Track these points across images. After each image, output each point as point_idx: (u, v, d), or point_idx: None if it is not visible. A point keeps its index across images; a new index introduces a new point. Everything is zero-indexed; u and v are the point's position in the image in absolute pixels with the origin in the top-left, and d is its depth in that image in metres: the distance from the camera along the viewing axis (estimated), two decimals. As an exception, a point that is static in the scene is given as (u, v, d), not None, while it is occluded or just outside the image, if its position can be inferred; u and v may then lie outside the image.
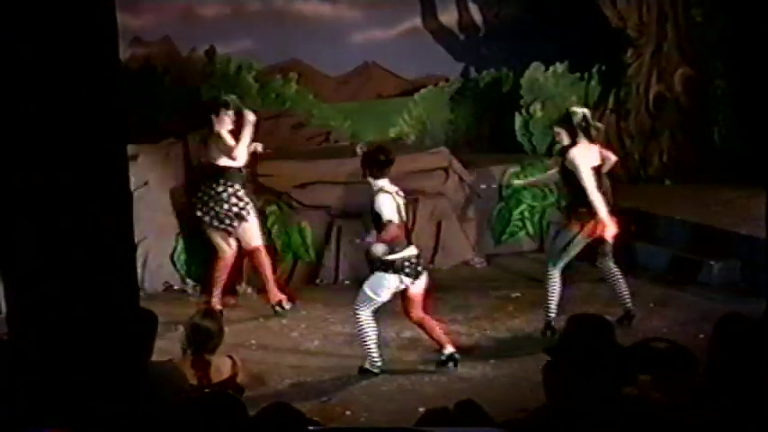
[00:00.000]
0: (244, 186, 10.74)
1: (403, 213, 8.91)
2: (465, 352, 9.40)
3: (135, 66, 12.43)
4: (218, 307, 10.29)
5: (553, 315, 9.80)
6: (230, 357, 6.99)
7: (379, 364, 9.03)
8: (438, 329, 9.18)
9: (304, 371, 9.23)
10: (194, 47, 12.95)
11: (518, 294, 11.02)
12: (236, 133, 10.59)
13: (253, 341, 9.98)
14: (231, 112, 10.63)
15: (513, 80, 13.80)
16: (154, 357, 6.27)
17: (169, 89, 12.69)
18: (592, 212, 9.66)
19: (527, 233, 12.52)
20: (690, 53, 14.24)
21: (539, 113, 13.71)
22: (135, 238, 4.70)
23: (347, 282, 11.76)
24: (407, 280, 8.81)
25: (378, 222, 8.77)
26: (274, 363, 9.39)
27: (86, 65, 4.21)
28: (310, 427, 4.58)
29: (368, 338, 8.97)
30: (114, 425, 4.17)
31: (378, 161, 8.92)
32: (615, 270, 10.04)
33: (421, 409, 5.80)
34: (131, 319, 4.38)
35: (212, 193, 10.66)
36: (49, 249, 4.21)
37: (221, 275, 10.70)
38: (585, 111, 9.95)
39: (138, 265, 10.37)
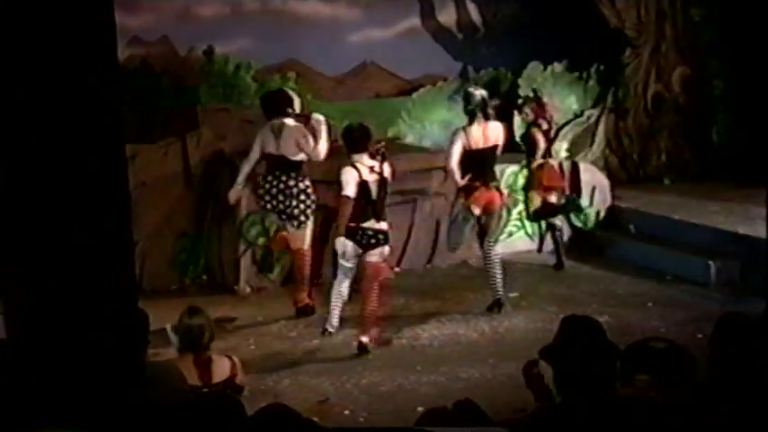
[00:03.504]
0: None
1: (372, 190, 9.52)
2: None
3: (133, 65, 12.41)
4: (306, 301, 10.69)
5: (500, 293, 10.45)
6: (229, 358, 6.98)
7: (335, 324, 9.83)
8: (372, 314, 9.65)
9: (302, 371, 9.23)
10: (192, 46, 12.94)
11: (516, 294, 11.02)
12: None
13: (251, 341, 9.98)
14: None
15: (512, 80, 13.80)
16: (152, 358, 6.28)
17: (167, 89, 12.68)
18: (465, 188, 10.37)
19: (525, 233, 12.52)
20: (688, 53, 14.25)
21: (537, 113, 13.70)
22: (133, 238, 4.70)
23: (346, 281, 11.76)
24: (357, 249, 9.57)
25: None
26: (273, 363, 9.39)
27: (84, 64, 4.21)
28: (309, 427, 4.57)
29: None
30: (113, 425, 4.17)
31: (351, 138, 9.73)
32: (493, 256, 10.46)
33: (420, 409, 5.81)
34: (130, 320, 4.38)
35: (282, 186, 10.62)
36: (47, 250, 4.21)
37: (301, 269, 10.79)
38: (483, 92, 10.58)
39: (137, 265, 10.36)
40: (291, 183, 10.59)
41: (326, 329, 9.89)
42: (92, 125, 4.24)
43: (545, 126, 12.06)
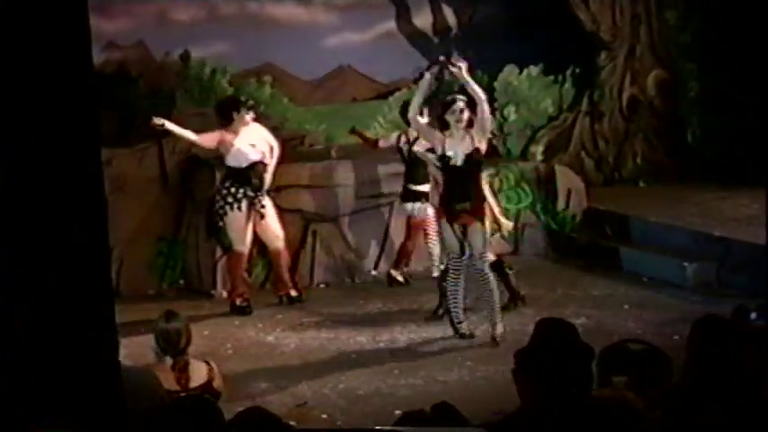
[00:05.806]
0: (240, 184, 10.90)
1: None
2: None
3: (109, 70, 12.40)
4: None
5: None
6: (206, 362, 6.97)
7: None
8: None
9: (280, 375, 9.22)
10: (168, 51, 12.92)
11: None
12: None
13: (229, 346, 9.97)
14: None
15: (488, 83, 13.81)
16: (128, 363, 6.26)
17: (143, 93, 12.66)
18: None
19: (501, 236, 12.51)
20: (663, 56, 14.31)
21: (513, 116, 13.76)
22: (110, 243, 4.68)
23: (322, 285, 11.78)
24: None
25: None
26: (250, 367, 9.38)
27: (59, 69, 4.20)
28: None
29: None
30: (91, 428, 4.16)
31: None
32: None
33: (397, 412, 5.81)
34: (107, 325, 4.37)
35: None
36: (22, 256, 4.19)
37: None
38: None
39: (113, 270, 10.34)
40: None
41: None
42: (67, 130, 4.22)
43: None
